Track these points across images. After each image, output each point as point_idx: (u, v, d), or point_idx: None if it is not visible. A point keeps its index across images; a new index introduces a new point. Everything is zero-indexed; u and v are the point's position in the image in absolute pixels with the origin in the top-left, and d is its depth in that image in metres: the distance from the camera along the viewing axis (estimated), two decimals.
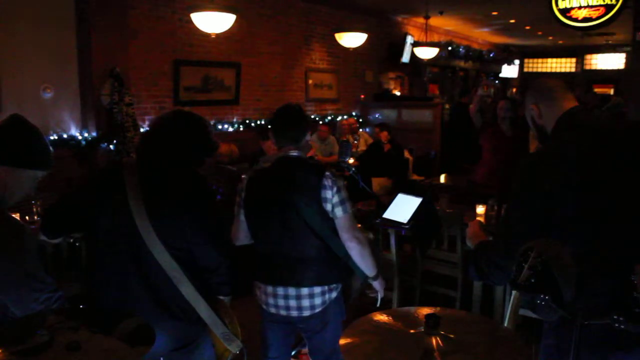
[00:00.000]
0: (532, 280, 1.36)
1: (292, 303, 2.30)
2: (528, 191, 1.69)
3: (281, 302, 2.31)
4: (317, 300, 2.29)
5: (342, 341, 1.44)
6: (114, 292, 1.88)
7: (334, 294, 2.33)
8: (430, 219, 3.64)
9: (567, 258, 1.36)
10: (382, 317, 1.55)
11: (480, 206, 4.15)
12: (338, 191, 2.24)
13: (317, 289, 2.28)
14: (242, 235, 2.42)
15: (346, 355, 1.39)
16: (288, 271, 2.28)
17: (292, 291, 2.28)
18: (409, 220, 3.42)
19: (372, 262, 2.33)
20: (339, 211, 2.24)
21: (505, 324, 1.91)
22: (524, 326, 3.01)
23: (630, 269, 1.44)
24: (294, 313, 2.31)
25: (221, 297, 2.08)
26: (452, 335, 1.39)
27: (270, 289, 2.33)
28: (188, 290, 1.88)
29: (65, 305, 1.66)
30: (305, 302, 2.29)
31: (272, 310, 2.35)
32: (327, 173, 2.26)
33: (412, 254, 4.17)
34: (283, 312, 2.33)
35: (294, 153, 2.31)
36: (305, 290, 2.27)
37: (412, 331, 1.42)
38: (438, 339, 1.38)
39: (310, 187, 2.23)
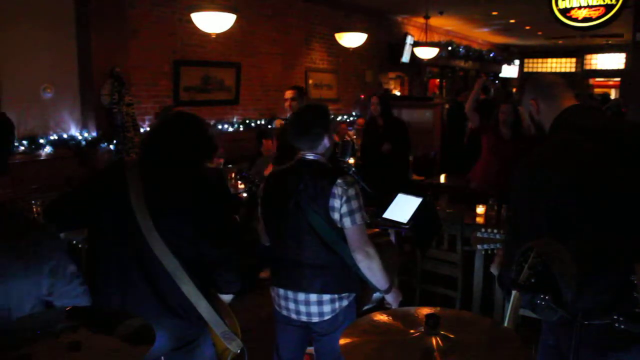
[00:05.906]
0: (532, 280, 1.36)
1: (302, 308, 2.27)
2: (528, 192, 1.69)
3: (292, 305, 2.29)
4: (326, 308, 2.24)
5: (342, 341, 1.43)
6: (116, 289, 1.88)
7: (344, 302, 2.27)
8: (430, 219, 3.64)
9: (567, 258, 1.36)
10: (382, 317, 1.55)
11: (480, 206, 4.16)
12: (347, 201, 2.15)
13: (326, 297, 2.23)
14: (266, 236, 2.41)
15: (346, 355, 1.38)
16: (296, 276, 2.24)
17: (301, 296, 2.25)
18: (409, 220, 3.42)
19: (382, 276, 2.23)
20: (347, 222, 2.17)
21: (505, 324, 1.90)
22: (524, 326, 3.01)
23: (630, 269, 1.44)
24: (304, 318, 2.29)
25: (222, 297, 2.08)
26: (452, 335, 1.38)
27: (281, 291, 2.32)
28: (189, 289, 1.88)
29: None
30: (314, 309, 2.25)
31: (284, 312, 2.34)
32: (339, 180, 2.16)
33: (412, 254, 4.17)
34: (294, 316, 2.31)
35: (311, 156, 2.26)
36: (313, 297, 2.23)
37: (412, 331, 1.42)
38: (438, 339, 1.37)
39: (320, 194, 2.16)
